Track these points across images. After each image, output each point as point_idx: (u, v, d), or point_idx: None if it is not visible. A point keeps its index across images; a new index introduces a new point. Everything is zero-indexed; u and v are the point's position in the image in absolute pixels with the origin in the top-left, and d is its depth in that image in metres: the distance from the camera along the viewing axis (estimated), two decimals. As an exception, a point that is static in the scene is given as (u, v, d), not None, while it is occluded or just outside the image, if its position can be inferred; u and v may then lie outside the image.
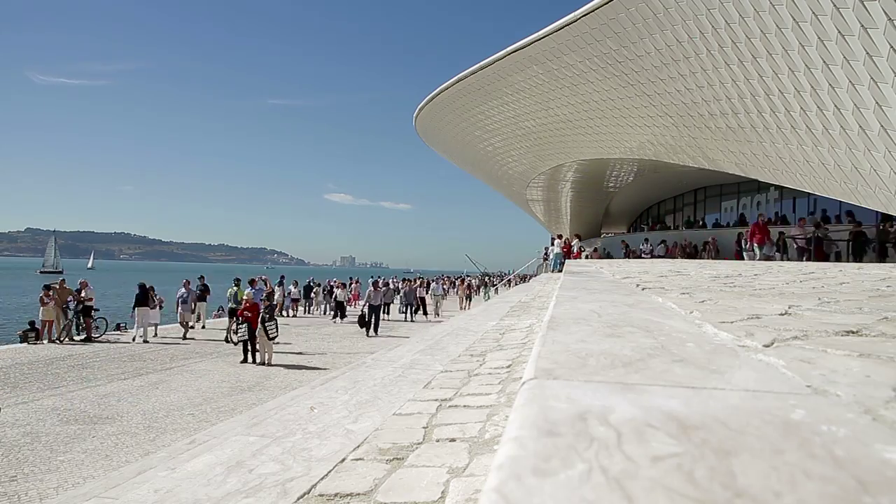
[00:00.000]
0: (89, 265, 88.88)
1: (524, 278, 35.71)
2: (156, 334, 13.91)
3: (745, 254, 14.98)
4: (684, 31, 11.96)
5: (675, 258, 17.68)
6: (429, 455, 1.76)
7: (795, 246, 14.75)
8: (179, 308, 14.50)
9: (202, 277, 16.95)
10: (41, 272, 63.55)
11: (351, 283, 25.61)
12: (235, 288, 13.98)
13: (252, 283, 13.83)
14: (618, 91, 15.67)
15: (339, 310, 19.01)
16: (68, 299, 13.39)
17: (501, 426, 1.88)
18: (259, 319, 10.42)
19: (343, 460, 1.85)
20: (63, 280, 14.44)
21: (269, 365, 10.26)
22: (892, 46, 8.47)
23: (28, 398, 7.44)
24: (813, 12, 9.16)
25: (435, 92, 23.03)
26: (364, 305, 15.60)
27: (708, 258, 17.16)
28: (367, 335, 14.70)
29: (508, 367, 2.75)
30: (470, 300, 25.12)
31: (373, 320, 15.22)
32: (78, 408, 7.04)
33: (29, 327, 14.28)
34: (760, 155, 13.35)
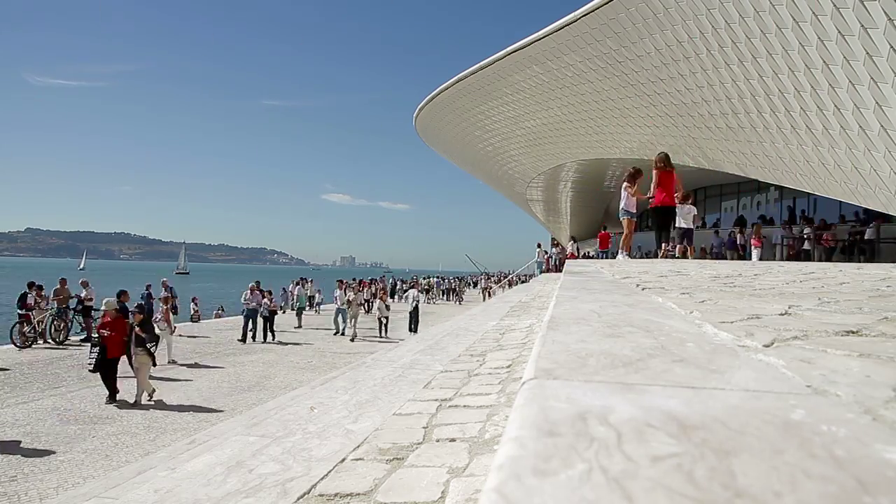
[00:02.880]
0: (80, 266, 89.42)
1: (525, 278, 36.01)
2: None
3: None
4: (684, 31, 11.96)
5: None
6: (429, 455, 1.76)
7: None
8: None
9: (149, 286, 14.88)
10: (176, 273, 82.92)
11: (362, 286, 21.33)
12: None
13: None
14: (618, 91, 15.67)
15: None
16: (70, 298, 13.01)
17: (501, 426, 1.88)
18: (129, 341, 7.50)
19: (343, 460, 1.85)
20: (64, 280, 13.33)
21: (144, 404, 7.20)
22: (892, 46, 8.47)
23: (28, 398, 7.43)
24: (813, 12, 9.16)
25: (435, 92, 23.03)
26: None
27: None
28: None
29: (508, 367, 2.75)
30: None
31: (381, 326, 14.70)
32: (78, 408, 7.04)
33: None
34: (760, 155, 13.35)
